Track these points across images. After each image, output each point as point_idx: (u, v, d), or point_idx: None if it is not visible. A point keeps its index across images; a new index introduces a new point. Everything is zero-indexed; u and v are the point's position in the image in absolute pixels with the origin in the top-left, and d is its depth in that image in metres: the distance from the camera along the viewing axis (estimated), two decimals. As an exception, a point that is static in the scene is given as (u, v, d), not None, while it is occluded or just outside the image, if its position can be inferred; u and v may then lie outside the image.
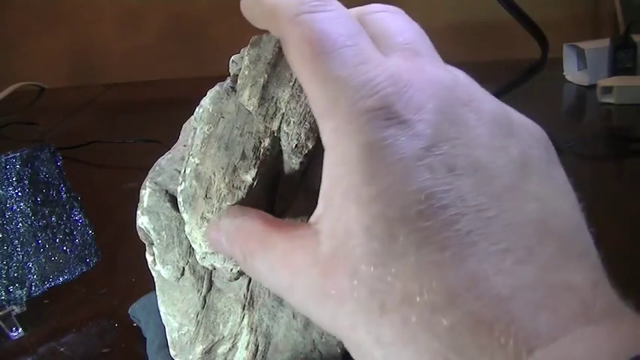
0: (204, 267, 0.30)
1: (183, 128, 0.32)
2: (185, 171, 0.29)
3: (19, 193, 0.41)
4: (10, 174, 0.41)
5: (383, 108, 0.18)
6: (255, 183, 0.28)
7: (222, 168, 0.28)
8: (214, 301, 0.31)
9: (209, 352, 0.31)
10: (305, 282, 0.20)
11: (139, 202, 0.31)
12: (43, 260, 0.42)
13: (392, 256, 0.17)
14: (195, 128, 0.29)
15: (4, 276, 0.40)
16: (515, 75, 0.61)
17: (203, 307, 0.31)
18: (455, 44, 1.32)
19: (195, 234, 0.29)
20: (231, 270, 0.29)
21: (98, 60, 1.32)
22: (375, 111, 0.18)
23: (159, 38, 1.30)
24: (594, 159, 0.68)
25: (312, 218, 0.21)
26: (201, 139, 0.29)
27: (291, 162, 0.29)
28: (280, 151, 0.29)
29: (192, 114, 0.30)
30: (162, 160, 0.31)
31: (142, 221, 0.31)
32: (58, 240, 0.43)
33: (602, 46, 0.94)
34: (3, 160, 0.41)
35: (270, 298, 0.30)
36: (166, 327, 0.32)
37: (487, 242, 0.17)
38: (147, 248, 0.32)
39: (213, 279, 0.31)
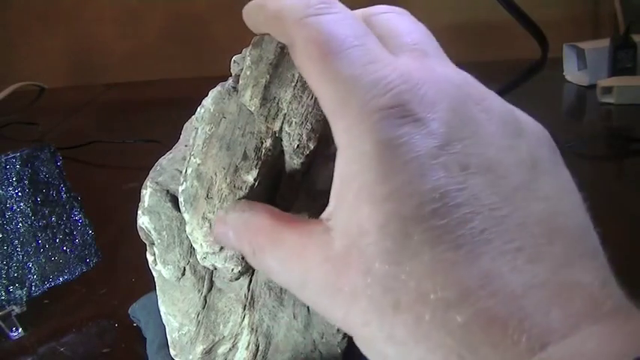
0: (205, 267, 0.30)
1: (184, 128, 0.32)
2: (186, 171, 0.29)
3: (19, 193, 0.41)
4: (10, 174, 0.41)
5: (397, 106, 0.18)
6: (256, 183, 0.28)
7: (224, 168, 0.28)
8: (215, 301, 0.31)
9: (209, 352, 0.31)
10: (317, 278, 0.20)
11: (139, 201, 0.31)
12: (43, 260, 0.42)
13: (406, 254, 0.17)
14: (197, 128, 0.29)
15: (4, 276, 0.40)
16: (515, 75, 0.61)
17: (204, 307, 0.31)
18: (455, 44, 1.32)
19: (197, 234, 0.29)
20: (232, 270, 0.29)
21: (98, 60, 1.32)
22: (389, 109, 0.18)
23: (159, 38, 1.30)
24: (594, 159, 0.68)
25: (324, 215, 0.21)
26: (203, 139, 0.29)
27: (293, 162, 0.29)
28: (282, 152, 0.29)
29: (193, 114, 0.30)
30: (163, 160, 0.31)
31: (143, 221, 0.31)
32: (58, 240, 0.43)
33: (602, 46, 0.94)
34: (3, 160, 0.41)
35: (270, 298, 0.30)
36: (167, 327, 0.32)
37: (500, 241, 0.17)
38: (147, 248, 0.32)
39: (213, 279, 0.31)
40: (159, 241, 0.30)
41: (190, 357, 0.31)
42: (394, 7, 0.24)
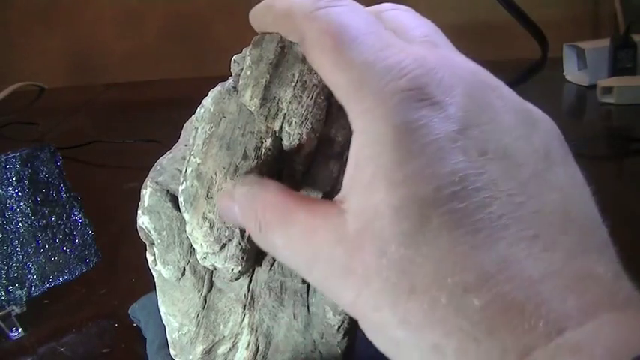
0: (204, 267, 0.30)
1: (184, 128, 0.32)
2: (186, 171, 0.29)
3: (19, 193, 0.41)
4: (10, 174, 0.41)
5: (414, 89, 0.18)
6: (256, 183, 0.28)
7: (224, 168, 0.28)
8: (215, 301, 0.31)
9: (209, 352, 0.31)
10: (328, 260, 0.20)
11: (139, 201, 0.31)
12: (43, 260, 0.42)
13: (423, 237, 0.17)
14: (197, 128, 0.29)
15: (4, 276, 0.40)
16: (515, 75, 0.61)
17: (203, 307, 0.31)
18: (455, 44, 1.32)
19: (197, 234, 0.28)
20: (232, 270, 0.29)
21: (98, 60, 1.32)
22: (407, 91, 0.18)
23: (159, 38, 1.30)
24: (594, 159, 0.68)
25: (337, 198, 0.21)
26: (203, 139, 0.29)
27: (293, 162, 0.29)
28: (282, 152, 0.29)
29: (193, 114, 0.30)
30: (163, 160, 0.31)
31: (143, 221, 0.31)
32: (58, 240, 0.43)
33: (602, 46, 0.94)
34: (3, 160, 0.41)
35: (270, 298, 0.30)
36: (167, 327, 0.32)
37: (517, 227, 0.17)
38: (147, 248, 0.32)
39: (213, 279, 0.31)
40: (159, 241, 0.30)
41: (190, 357, 0.31)
42: (399, 5, 0.24)
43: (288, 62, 0.28)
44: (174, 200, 0.30)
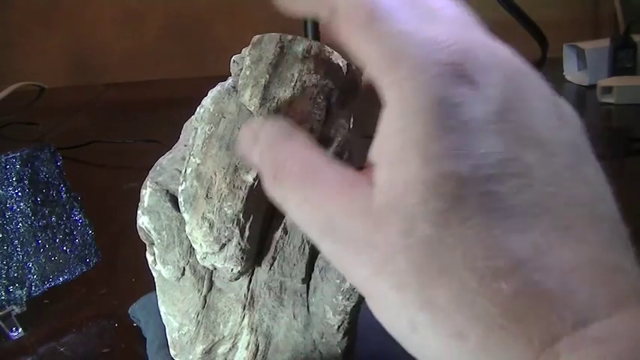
0: (204, 267, 0.30)
1: (184, 128, 0.32)
2: (186, 171, 0.29)
3: (19, 193, 0.41)
4: (10, 174, 0.41)
5: (453, 64, 0.18)
6: (256, 183, 0.28)
7: (224, 168, 0.28)
8: (215, 301, 0.31)
9: (209, 352, 0.31)
10: (346, 230, 0.19)
11: (139, 201, 0.31)
12: (43, 260, 0.42)
13: (457, 217, 0.17)
14: (197, 128, 0.29)
15: (4, 276, 0.40)
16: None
17: (203, 307, 0.31)
18: (455, 44, 1.32)
19: (196, 234, 0.28)
20: (232, 270, 0.29)
21: (98, 60, 1.32)
22: (446, 65, 0.18)
23: (159, 38, 1.30)
24: (594, 159, 0.67)
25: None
26: (203, 139, 0.29)
27: (292, 162, 0.29)
28: (281, 151, 0.29)
29: (193, 114, 0.30)
30: (163, 160, 0.31)
31: (143, 221, 0.31)
32: (58, 240, 0.43)
33: (602, 46, 0.94)
34: (3, 160, 0.41)
35: (270, 298, 0.30)
36: (166, 327, 0.32)
37: (550, 216, 0.17)
38: (147, 248, 0.32)
39: (213, 279, 0.31)
40: (159, 241, 0.30)
41: (190, 357, 0.31)
42: None
43: (287, 62, 0.28)
44: (174, 200, 0.30)
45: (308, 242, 0.29)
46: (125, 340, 0.39)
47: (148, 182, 0.31)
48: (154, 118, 0.99)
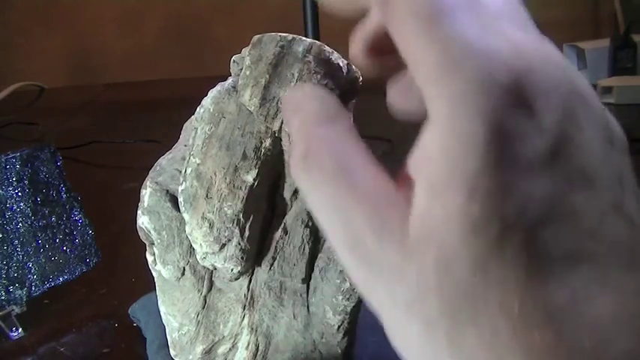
0: (204, 267, 0.30)
1: (184, 128, 0.32)
2: (186, 171, 0.29)
3: (19, 193, 0.41)
4: (10, 174, 0.41)
5: (514, 88, 0.17)
6: (255, 183, 0.28)
7: (223, 168, 0.28)
8: (215, 301, 0.31)
9: (209, 352, 0.31)
10: (377, 253, 0.17)
11: (139, 201, 0.31)
12: (43, 260, 0.42)
13: (496, 261, 0.16)
14: (197, 128, 0.29)
15: (4, 276, 0.40)
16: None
17: (203, 307, 0.31)
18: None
19: (196, 234, 0.29)
20: (232, 270, 0.29)
21: (98, 60, 1.32)
22: (507, 87, 0.17)
23: (159, 38, 1.30)
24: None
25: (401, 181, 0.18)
26: (203, 139, 0.29)
27: (292, 162, 0.29)
28: (281, 152, 0.29)
29: (193, 114, 0.30)
30: (162, 160, 0.31)
31: (143, 221, 0.31)
32: (58, 240, 0.43)
33: (602, 46, 0.94)
34: (3, 160, 0.41)
35: (270, 298, 0.30)
36: (167, 327, 0.32)
37: (590, 264, 0.16)
38: (147, 248, 0.32)
39: (213, 279, 0.31)
40: (159, 241, 0.30)
41: (190, 357, 0.31)
42: None
43: (287, 62, 0.28)
44: (174, 200, 0.30)
45: (308, 242, 0.29)
46: (125, 340, 0.39)
47: (148, 182, 0.31)
48: (154, 118, 0.99)
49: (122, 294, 0.44)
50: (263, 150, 0.28)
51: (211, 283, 0.31)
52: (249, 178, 0.28)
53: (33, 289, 0.41)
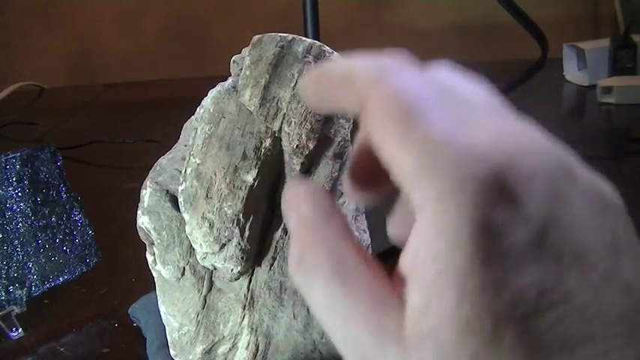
0: (204, 267, 0.30)
1: (184, 128, 0.32)
2: (186, 171, 0.29)
3: (19, 193, 0.41)
4: (10, 174, 0.41)
5: (494, 180, 0.17)
6: (255, 183, 0.28)
7: (223, 168, 0.28)
8: (215, 301, 0.31)
9: (209, 352, 0.31)
10: (372, 345, 0.18)
11: (139, 202, 0.31)
12: (43, 260, 0.42)
13: (494, 355, 0.16)
14: (197, 128, 0.29)
15: (4, 276, 0.40)
16: (515, 75, 0.61)
17: (203, 307, 0.31)
18: (455, 44, 1.33)
19: (196, 234, 0.29)
20: (232, 270, 0.29)
21: (98, 60, 1.32)
22: (487, 183, 0.17)
23: (159, 38, 1.30)
24: (594, 159, 0.67)
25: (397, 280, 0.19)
26: (203, 139, 0.29)
27: (292, 162, 0.29)
28: (281, 152, 0.29)
29: (193, 114, 0.30)
30: (162, 160, 0.31)
31: (143, 221, 0.31)
32: (58, 240, 0.43)
33: (602, 46, 0.94)
34: (3, 160, 0.41)
35: (270, 298, 0.30)
36: (167, 327, 0.32)
37: (588, 344, 0.17)
38: (147, 248, 0.32)
39: (213, 279, 0.31)
40: (158, 241, 0.30)
41: (190, 357, 0.31)
42: (440, 63, 0.22)
43: (287, 62, 0.28)
44: (174, 200, 0.30)
45: (308, 242, 0.29)
46: (125, 340, 0.39)
47: (148, 182, 0.31)
48: (154, 118, 0.99)
49: (122, 294, 0.44)
50: (263, 150, 0.28)
51: (211, 283, 0.31)
52: (249, 178, 0.28)
53: (33, 289, 0.41)
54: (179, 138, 0.32)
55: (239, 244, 0.28)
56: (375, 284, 0.19)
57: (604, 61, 0.94)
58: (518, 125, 0.19)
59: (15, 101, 1.09)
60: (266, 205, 0.30)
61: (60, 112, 1.07)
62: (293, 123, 0.28)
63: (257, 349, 0.30)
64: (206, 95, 0.30)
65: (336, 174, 0.30)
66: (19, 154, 0.41)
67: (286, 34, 0.29)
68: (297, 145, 0.28)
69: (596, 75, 0.93)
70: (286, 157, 0.29)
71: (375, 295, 0.18)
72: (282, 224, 0.30)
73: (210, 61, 1.06)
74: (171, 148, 0.32)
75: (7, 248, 0.40)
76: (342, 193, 0.31)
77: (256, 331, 0.30)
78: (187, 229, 0.29)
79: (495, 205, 0.17)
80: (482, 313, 0.16)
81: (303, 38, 0.29)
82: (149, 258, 0.31)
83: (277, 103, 0.28)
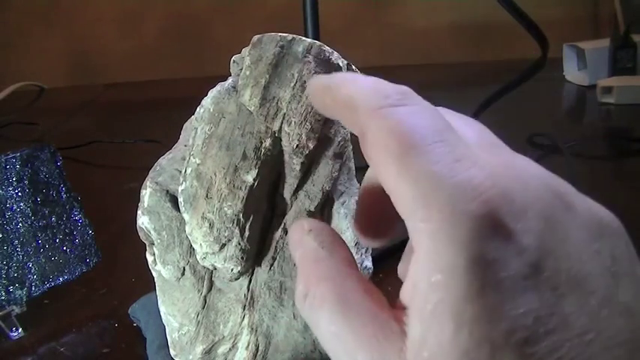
0: (204, 267, 0.30)
1: (184, 128, 0.32)
2: (186, 171, 0.29)
3: (19, 193, 0.41)
4: (10, 174, 0.41)
5: (487, 215, 0.17)
6: (255, 183, 0.28)
7: (223, 168, 0.28)
8: (215, 301, 0.31)
9: (209, 352, 0.31)
10: None
11: (139, 202, 0.31)
12: (43, 260, 0.42)
13: None
14: (197, 128, 0.29)
15: (4, 276, 0.40)
16: (515, 75, 0.61)
17: (203, 307, 0.31)
18: (455, 44, 1.33)
19: (196, 234, 0.29)
20: (232, 270, 0.29)
21: (98, 60, 1.32)
22: (480, 218, 0.17)
23: (159, 38, 1.30)
24: (594, 159, 0.68)
25: (398, 313, 0.20)
26: (203, 139, 0.29)
27: (292, 162, 0.29)
28: (281, 152, 0.29)
29: (193, 114, 0.30)
30: (162, 160, 0.31)
31: (143, 221, 0.31)
32: (58, 240, 0.43)
33: (602, 46, 0.94)
34: (3, 160, 0.41)
35: (270, 298, 0.30)
36: (167, 327, 0.32)
37: None
38: (147, 248, 0.32)
39: (213, 279, 0.31)
40: (158, 241, 0.30)
41: (190, 357, 0.31)
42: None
43: (287, 62, 0.28)
44: (174, 200, 0.30)
45: (308, 242, 0.29)
46: (125, 340, 0.39)
47: (148, 182, 0.31)
48: (154, 118, 0.99)
49: (122, 294, 0.44)
50: (263, 150, 0.28)
51: (211, 283, 0.31)
52: (249, 178, 0.28)
53: (33, 289, 0.41)
54: (179, 138, 0.32)
55: (239, 244, 0.28)
56: (378, 314, 0.19)
57: (604, 61, 0.94)
58: (512, 159, 0.20)
59: (15, 101, 1.09)
60: (266, 205, 0.30)
61: (60, 112, 1.07)
62: (293, 123, 0.28)
63: (257, 349, 0.30)
64: (206, 95, 0.30)
65: (336, 174, 0.30)
66: (19, 154, 0.41)
67: (286, 34, 0.29)
68: (297, 145, 0.28)
69: (596, 75, 0.93)
70: (286, 157, 0.29)
71: (378, 325, 0.19)
72: (282, 224, 0.30)
73: (210, 61, 1.07)
74: (171, 148, 0.32)
75: (7, 248, 0.40)
76: (342, 193, 0.31)
77: (256, 331, 0.30)
78: (187, 229, 0.29)
79: (489, 240, 0.17)
80: (480, 341, 0.17)
81: (303, 38, 0.29)
82: (149, 258, 0.31)
83: (277, 103, 0.28)
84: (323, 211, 0.31)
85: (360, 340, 0.19)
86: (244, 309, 0.30)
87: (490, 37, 1.21)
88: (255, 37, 0.29)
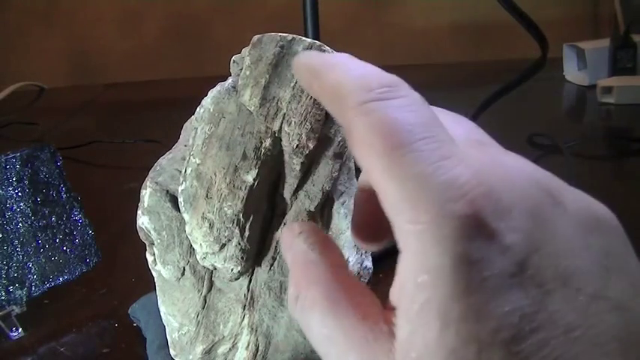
0: (204, 267, 0.30)
1: (184, 128, 0.32)
2: (186, 171, 0.29)
3: (19, 193, 0.41)
4: (10, 174, 0.41)
5: (472, 215, 0.17)
6: (255, 183, 0.28)
7: (223, 168, 0.28)
8: (215, 301, 0.31)
9: (209, 352, 0.31)
10: None
11: (139, 202, 0.31)
12: (43, 260, 0.42)
13: None
14: (197, 128, 0.29)
15: (4, 276, 0.40)
16: (515, 75, 0.61)
17: (203, 307, 0.31)
18: (455, 44, 1.33)
19: (196, 234, 0.29)
20: (232, 270, 0.29)
21: (98, 60, 1.32)
22: (465, 218, 0.17)
23: (159, 38, 1.30)
24: (594, 159, 0.68)
25: (387, 313, 0.20)
26: (202, 139, 0.29)
27: (292, 162, 0.29)
28: (281, 152, 0.29)
29: (193, 114, 0.30)
30: (162, 160, 0.31)
31: (143, 221, 0.31)
32: (58, 240, 0.43)
33: (602, 46, 0.94)
34: (3, 160, 0.41)
35: (270, 298, 0.30)
36: (167, 327, 0.32)
37: None
38: (147, 248, 0.32)
39: (213, 279, 0.31)
40: (158, 241, 0.30)
41: (190, 357, 0.31)
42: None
43: (287, 62, 0.28)
44: (174, 200, 0.30)
45: (308, 242, 0.29)
46: (125, 340, 0.39)
47: (148, 182, 0.31)
48: (154, 118, 0.99)
49: (122, 294, 0.44)
50: (263, 150, 0.28)
51: (211, 283, 0.31)
52: (249, 178, 0.28)
53: (33, 289, 0.41)
54: (179, 138, 0.32)
55: (239, 244, 0.28)
56: (368, 315, 0.19)
57: (604, 61, 0.94)
58: (501, 156, 0.20)
59: (15, 101, 1.09)
60: (266, 205, 0.30)
61: (60, 112, 1.07)
62: (293, 123, 0.28)
63: (257, 349, 0.30)
64: (206, 95, 0.30)
65: (336, 174, 0.30)
66: (19, 154, 0.41)
67: (286, 34, 0.29)
68: (297, 145, 0.28)
69: (596, 75, 0.93)
70: (286, 156, 0.29)
71: (368, 327, 0.19)
72: (282, 224, 0.30)
73: (210, 61, 1.07)
74: (171, 148, 0.32)
75: (7, 248, 0.40)
76: (342, 193, 0.31)
77: (256, 331, 0.30)
78: (187, 229, 0.29)
79: (473, 240, 0.17)
80: (467, 340, 0.17)
81: (303, 38, 0.29)
82: (149, 258, 0.31)
83: (277, 103, 0.28)
84: (323, 211, 0.31)
85: (351, 341, 0.19)
86: (244, 309, 0.30)
87: (490, 37, 1.21)
88: (255, 37, 0.29)
